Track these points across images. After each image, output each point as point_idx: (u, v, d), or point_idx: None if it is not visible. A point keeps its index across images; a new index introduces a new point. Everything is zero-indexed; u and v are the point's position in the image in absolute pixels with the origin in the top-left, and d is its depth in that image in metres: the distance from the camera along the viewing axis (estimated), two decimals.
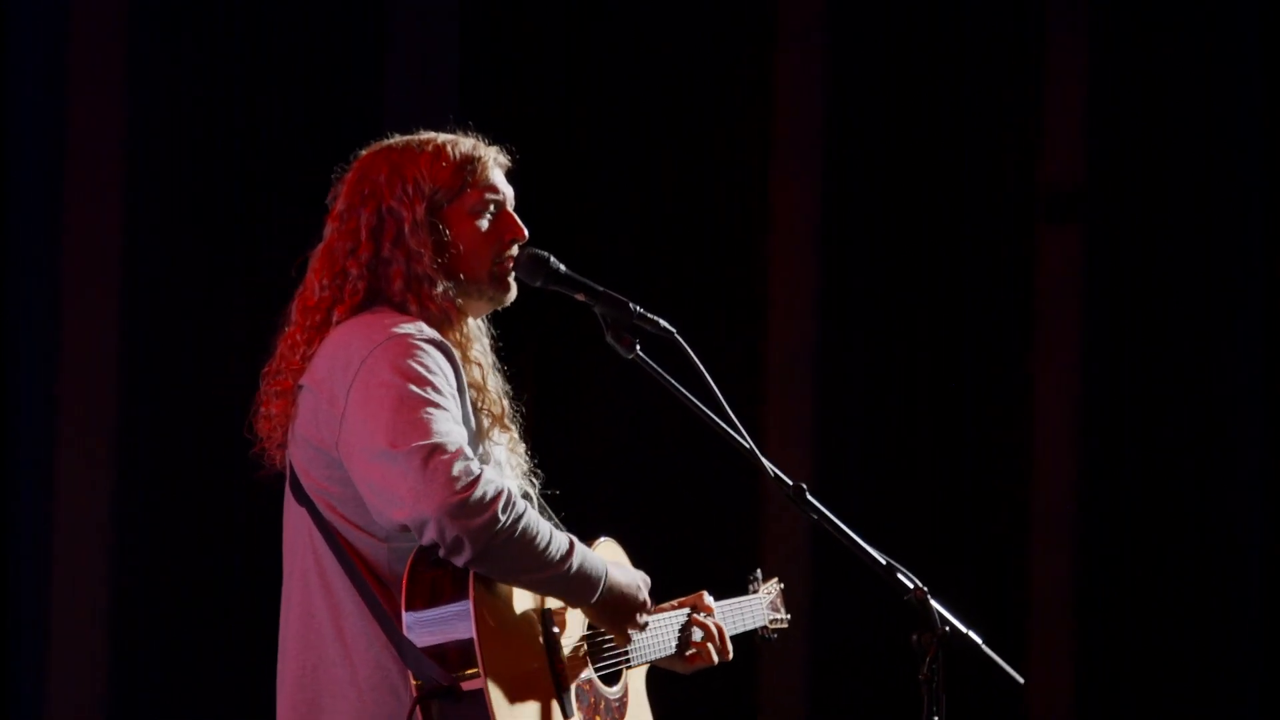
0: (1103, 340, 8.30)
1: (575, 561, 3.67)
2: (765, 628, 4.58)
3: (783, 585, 4.69)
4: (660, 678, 4.18)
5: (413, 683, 3.59)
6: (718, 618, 4.24)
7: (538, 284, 3.98)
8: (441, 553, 3.54)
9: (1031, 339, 8.33)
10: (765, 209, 8.29)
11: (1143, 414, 8.29)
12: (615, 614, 3.80)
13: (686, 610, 4.19)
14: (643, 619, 3.85)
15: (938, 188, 8.33)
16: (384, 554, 3.70)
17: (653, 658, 4.07)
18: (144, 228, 7.67)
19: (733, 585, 4.54)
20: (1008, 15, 8.28)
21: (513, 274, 3.95)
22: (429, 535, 3.53)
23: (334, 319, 3.81)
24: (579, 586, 3.70)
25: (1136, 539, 8.34)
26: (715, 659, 4.21)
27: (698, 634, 4.18)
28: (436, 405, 3.59)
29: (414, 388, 3.59)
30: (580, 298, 3.97)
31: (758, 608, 4.55)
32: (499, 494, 3.55)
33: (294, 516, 3.82)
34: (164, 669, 7.70)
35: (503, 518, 3.54)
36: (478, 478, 3.53)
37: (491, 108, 7.87)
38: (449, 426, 3.58)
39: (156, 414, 7.71)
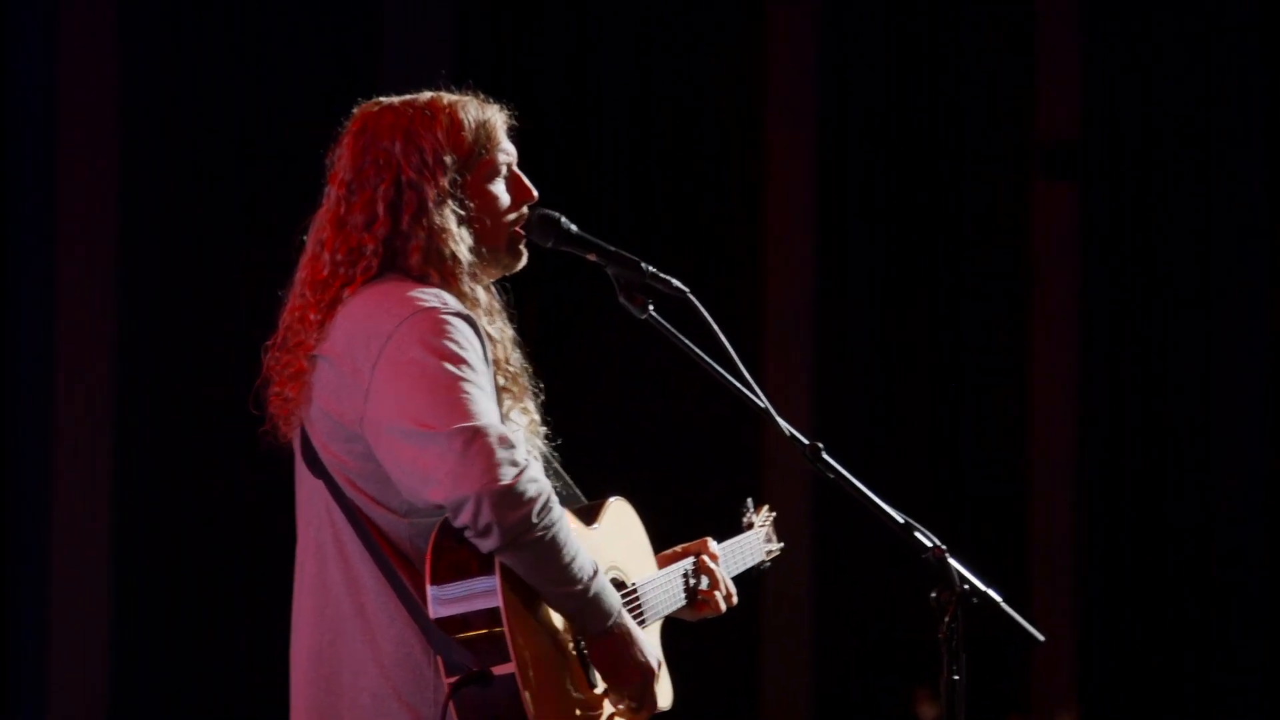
0: (1100, 296, 8.30)
1: (595, 588, 3.61)
2: (763, 561, 4.61)
3: (774, 514, 4.70)
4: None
5: (445, 678, 3.54)
6: (721, 563, 4.22)
7: (549, 245, 3.91)
8: (469, 534, 3.49)
9: (1029, 295, 8.32)
10: (762, 169, 8.27)
11: (1141, 371, 8.29)
12: (619, 662, 3.69)
13: (691, 558, 4.17)
14: (647, 683, 3.72)
15: (934, 145, 8.32)
16: (404, 529, 3.63)
17: (666, 612, 4.04)
18: (138, 206, 7.65)
19: (734, 532, 4.55)
20: None
21: (524, 239, 3.89)
22: (464, 517, 3.47)
23: (344, 296, 3.70)
24: (592, 612, 3.63)
25: (1136, 497, 8.34)
26: (723, 607, 4.20)
27: (704, 581, 4.16)
28: (473, 384, 3.52)
29: (448, 365, 3.52)
30: (591, 258, 3.92)
31: (755, 543, 4.55)
32: (539, 495, 3.49)
33: (308, 490, 3.74)
34: (166, 655, 7.71)
35: (536, 520, 3.48)
36: (523, 470, 3.47)
37: (488, 70, 7.84)
38: (487, 406, 3.52)
39: (154, 401, 7.69)
